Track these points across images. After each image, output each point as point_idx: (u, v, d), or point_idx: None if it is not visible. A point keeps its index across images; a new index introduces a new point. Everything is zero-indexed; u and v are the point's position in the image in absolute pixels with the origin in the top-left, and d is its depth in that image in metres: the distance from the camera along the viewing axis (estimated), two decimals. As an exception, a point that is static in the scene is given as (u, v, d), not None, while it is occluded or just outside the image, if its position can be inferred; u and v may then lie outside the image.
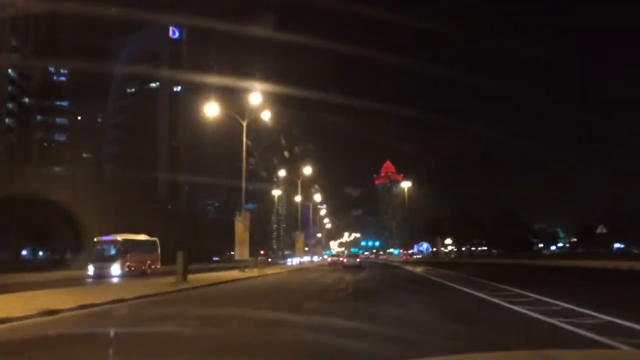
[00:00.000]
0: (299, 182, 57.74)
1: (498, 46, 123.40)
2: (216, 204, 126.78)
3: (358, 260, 48.05)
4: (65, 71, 77.46)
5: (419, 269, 35.42)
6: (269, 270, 34.39)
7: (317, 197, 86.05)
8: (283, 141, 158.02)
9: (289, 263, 58.05)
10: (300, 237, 60.25)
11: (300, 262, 60.78)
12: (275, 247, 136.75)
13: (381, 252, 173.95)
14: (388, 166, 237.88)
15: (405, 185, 77.87)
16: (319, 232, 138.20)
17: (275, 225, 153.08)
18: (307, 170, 58.92)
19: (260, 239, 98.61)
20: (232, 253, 38.31)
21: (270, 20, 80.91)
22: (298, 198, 61.15)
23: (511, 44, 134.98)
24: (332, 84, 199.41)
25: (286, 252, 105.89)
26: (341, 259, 61.09)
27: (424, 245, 37.24)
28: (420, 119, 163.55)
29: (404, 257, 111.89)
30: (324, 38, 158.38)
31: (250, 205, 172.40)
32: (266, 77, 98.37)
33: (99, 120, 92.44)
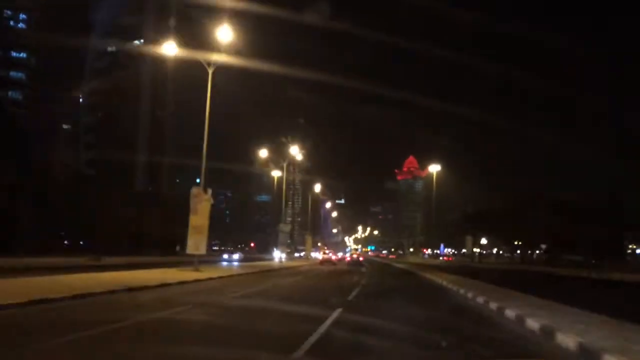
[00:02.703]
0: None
1: (569, 48, 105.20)
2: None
3: (361, 259, 56.36)
4: (25, 16, 61.99)
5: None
6: None
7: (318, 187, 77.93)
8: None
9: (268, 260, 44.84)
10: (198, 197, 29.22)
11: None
12: (289, 242, 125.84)
13: (400, 252, 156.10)
14: (411, 161, 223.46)
15: (434, 168, 63.02)
16: (334, 228, 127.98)
17: (289, 219, 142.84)
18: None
19: (276, 234, 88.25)
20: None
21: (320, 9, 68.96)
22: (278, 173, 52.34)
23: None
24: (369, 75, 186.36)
25: (299, 248, 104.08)
26: (334, 257, 63.71)
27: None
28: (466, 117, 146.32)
29: (445, 259, 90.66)
30: (374, 29, 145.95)
31: (264, 197, 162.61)
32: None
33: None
